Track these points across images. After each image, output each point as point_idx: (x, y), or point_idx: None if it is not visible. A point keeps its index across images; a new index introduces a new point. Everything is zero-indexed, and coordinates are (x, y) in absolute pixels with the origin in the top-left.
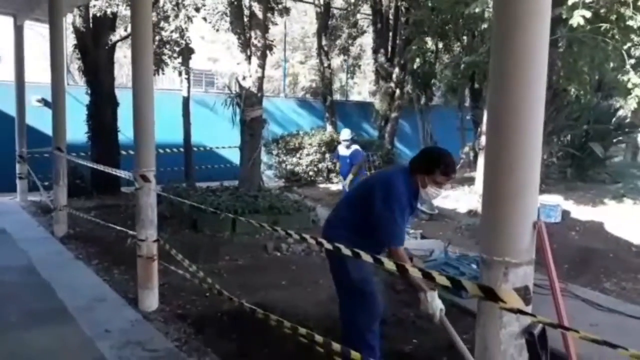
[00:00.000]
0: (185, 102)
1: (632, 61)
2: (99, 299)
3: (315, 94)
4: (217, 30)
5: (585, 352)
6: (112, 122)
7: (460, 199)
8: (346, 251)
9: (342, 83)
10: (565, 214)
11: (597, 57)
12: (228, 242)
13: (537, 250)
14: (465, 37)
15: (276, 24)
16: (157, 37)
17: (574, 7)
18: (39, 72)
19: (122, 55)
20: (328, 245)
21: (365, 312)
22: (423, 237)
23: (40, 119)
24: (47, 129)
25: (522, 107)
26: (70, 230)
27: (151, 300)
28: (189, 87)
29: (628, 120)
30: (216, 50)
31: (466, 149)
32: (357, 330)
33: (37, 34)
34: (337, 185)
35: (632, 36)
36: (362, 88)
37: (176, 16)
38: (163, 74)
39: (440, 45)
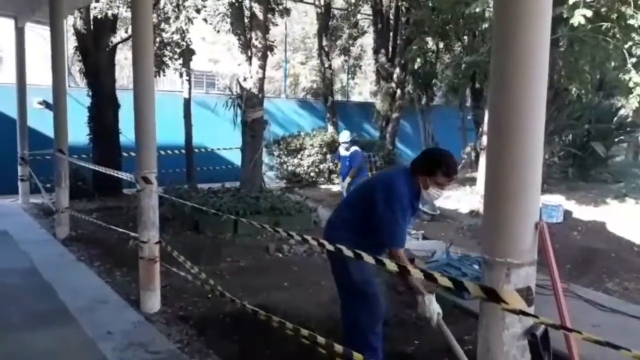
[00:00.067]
0: (187, 103)
1: (634, 60)
2: (101, 300)
3: (316, 95)
4: (218, 31)
5: (588, 353)
6: (113, 123)
7: (462, 199)
8: (348, 252)
9: (343, 83)
10: (567, 214)
11: (598, 56)
12: (230, 244)
13: (539, 250)
14: (466, 37)
15: (277, 25)
16: (157, 39)
17: (575, 6)
18: (40, 74)
19: (123, 57)
20: (330, 247)
21: (368, 313)
22: (425, 237)
23: (41, 121)
24: (48, 131)
25: (524, 106)
26: (72, 232)
27: (153, 302)
28: (190, 89)
29: (630, 119)
30: (217, 51)
31: (467, 149)
32: (359, 332)
33: (38, 35)
34: (338, 186)
35: (633, 35)
36: (363, 88)
37: (177, 18)
38: (164, 75)
39: (441, 45)
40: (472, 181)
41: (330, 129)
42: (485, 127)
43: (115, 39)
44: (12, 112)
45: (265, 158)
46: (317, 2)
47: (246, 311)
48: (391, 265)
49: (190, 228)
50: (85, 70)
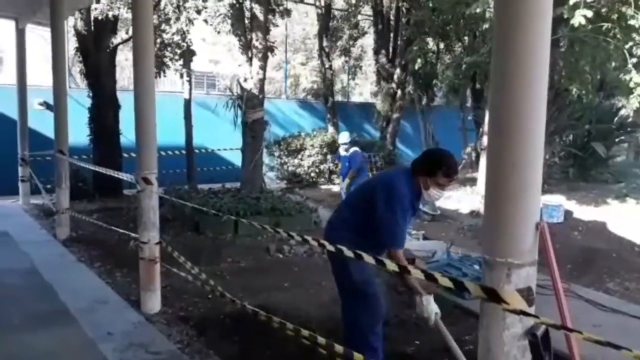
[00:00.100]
0: (187, 104)
1: (634, 60)
2: (102, 301)
3: (317, 95)
4: (219, 32)
5: (589, 353)
6: (113, 124)
7: (463, 199)
8: (348, 253)
9: (343, 84)
10: (568, 214)
11: (599, 56)
12: (230, 244)
13: (539, 250)
14: (466, 38)
15: (277, 26)
16: (158, 40)
17: (576, 6)
18: (41, 75)
19: (124, 58)
20: (330, 247)
21: (368, 313)
22: (425, 238)
23: (42, 122)
24: (49, 131)
25: (524, 107)
26: (73, 233)
27: (153, 302)
28: (190, 89)
29: (630, 119)
30: (217, 52)
31: (468, 149)
32: (360, 332)
33: (38, 37)
34: (339, 186)
35: (634, 35)
36: (363, 89)
37: (177, 19)
38: (164, 76)
39: (442, 45)
40: (473, 181)
41: (331, 129)
42: (485, 127)
43: (116, 40)
44: (13, 113)
45: (266, 159)
46: (317, 3)
47: (246, 312)
48: (391, 266)
49: (191, 229)
50: (85, 71)
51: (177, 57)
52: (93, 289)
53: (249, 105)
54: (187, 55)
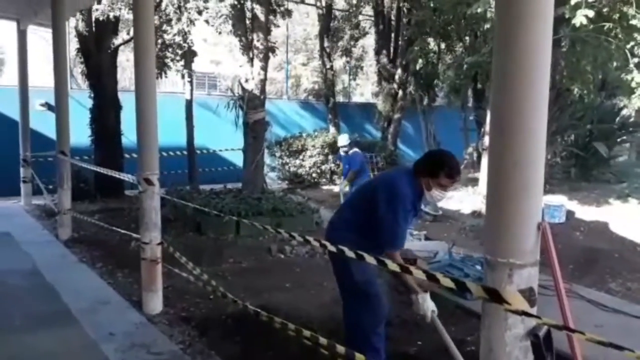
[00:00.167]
0: (188, 105)
1: (636, 60)
2: (103, 301)
3: (318, 96)
4: (220, 33)
5: (591, 354)
6: (115, 125)
7: (464, 199)
8: (350, 253)
9: (344, 84)
10: (570, 214)
11: (600, 56)
12: (232, 245)
13: (541, 251)
14: (467, 38)
15: (278, 26)
16: (159, 41)
17: (577, 6)
18: (42, 76)
19: (125, 59)
20: (331, 248)
21: (370, 314)
22: (427, 238)
23: (43, 123)
24: (50, 132)
25: (526, 107)
26: (74, 234)
27: (155, 303)
28: (191, 90)
29: (632, 119)
30: (219, 52)
31: (470, 149)
32: (362, 333)
33: (40, 38)
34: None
35: (635, 35)
36: (364, 89)
37: (179, 19)
38: (166, 77)
39: (443, 45)
40: (475, 182)
41: (332, 130)
42: (487, 127)
43: (117, 40)
44: (15, 114)
45: (267, 159)
46: (318, 4)
47: (248, 312)
48: (393, 266)
49: (193, 229)
50: (87, 72)
51: (178, 58)
52: (95, 289)
53: (250, 105)
54: (189, 55)
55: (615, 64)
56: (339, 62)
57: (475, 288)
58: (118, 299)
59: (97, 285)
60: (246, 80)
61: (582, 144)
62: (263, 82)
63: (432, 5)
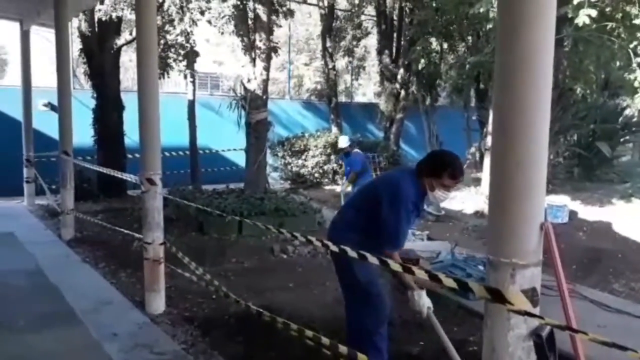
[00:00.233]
0: (191, 105)
1: (639, 59)
2: (106, 301)
3: (320, 96)
4: (222, 33)
5: (594, 354)
6: (118, 125)
7: (467, 199)
8: (352, 253)
9: (346, 84)
10: (573, 214)
11: (603, 56)
12: (234, 245)
13: (544, 251)
14: (470, 37)
15: (280, 27)
16: (162, 41)
17: (580, 6)
18: (45, 76)
19: (128, 59)
20: (334, 248)
21: (373, 314)
22: (430, 238)
23: (46, 123)
24: (53, 133)
25: (528, 106)
26: (77, 234)
27: (158, 303)
28: (194, 90)
29: (635, 119)
30: (221, 53)
31: (472, 149)
32: (364, 333)
33: (43, 38)
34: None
35: (638, 34)
36: (366, 89)
37: (181, 20)
38: (168, 77)
39: (445, 45)
40: (477, 182)
41: (334, 130)
42: (489, 127)
43: (120, 41)
44: (18, 114)
45: (270, 159)
46: (320, 4)
47: (251, 312)
48: (395, 266)
49: (195, 229)
50: (89, 72)
51: (180, 58)
52: (98, 289)
53: (252, 105)
54: (191, 56)
55: (618, 63)
56: (341, 62)
57: (478, 288)
58: (121, 299)
59: (100, 285)
60: (248, 81)
61: (585, 144)
62: (265, 82)
63: (434, 5)
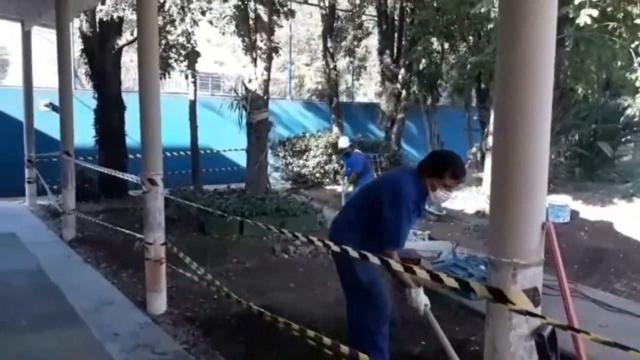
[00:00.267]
0: (192, 105)
1: None
2: (108, 302)
3: (321, 96)
4: (223, 33)
5: (596, 354)
6: (119, 126)
7: (468, 199)
8: (353, 253)
9: (347, 84)
10: (574, 214)
11: (605, 55)
12: (235, 245)
13: (545, 251)
14: (471, 37)
15: (281, 27)
16: (163, 41)
17: (581, 6)
18: (46, 76)
19: (129, 60)
20: (335, 248)
21: (374, 314)
22: (431, 238)
23: (48, 124)
24: (55, 133)
25: (529, 106)
26: (79, 234)
27: (159, 303)
28: (195, 91)
29: (636, 118)
30: (222, 53)
31: (473, 149)
32: (365, 333)
33: (44, 39)
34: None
35: None
36: (367, 89)
37: (182, 20)
38: (169, 77)
39: (446, 45)
40: (478, 181)
41: (336, 130)
42: (491, 127)
43: (121, 41)
44: (19, 114)
45: (271, 159)
46: (321, 4)
47: (252, 312)
48: (396, 266)
49: (196, 229)
50: (91, 72)
51: (182, 59)
52: (99, 289)
53: (253, 106)
54: (192, 56)
55: (619, 63)
56: (342, 62)
57: (479, 288)
58: (122, 299)
59: (101, 285)
60: (249, 81)
61: (587, 144)
62: (266, 82)
63: (435, 5)
